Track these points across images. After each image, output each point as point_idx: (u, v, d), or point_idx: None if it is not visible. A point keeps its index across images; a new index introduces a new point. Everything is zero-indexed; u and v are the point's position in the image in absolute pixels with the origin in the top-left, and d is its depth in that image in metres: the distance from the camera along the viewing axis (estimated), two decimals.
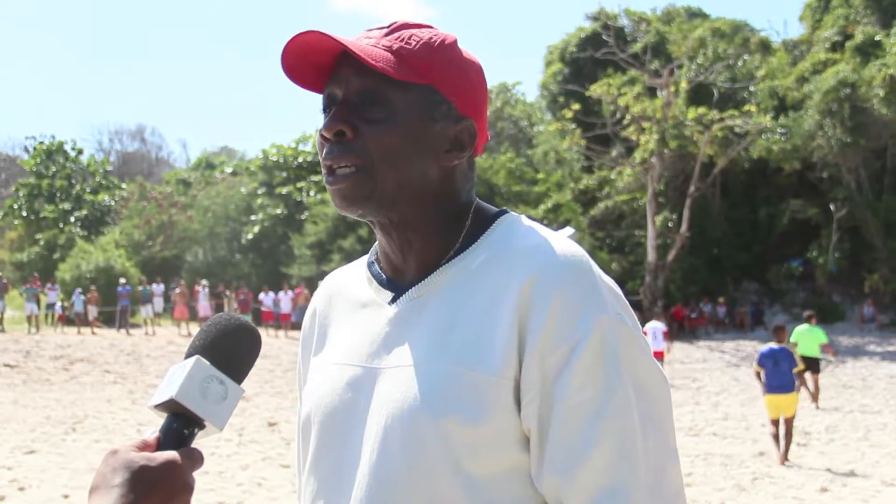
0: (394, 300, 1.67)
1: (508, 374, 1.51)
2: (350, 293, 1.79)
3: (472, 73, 1.68)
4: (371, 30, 1.67)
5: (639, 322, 1.61)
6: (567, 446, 1.48)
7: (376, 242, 1.78)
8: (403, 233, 1.66)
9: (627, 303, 1.61)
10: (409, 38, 1.63)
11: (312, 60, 1.64)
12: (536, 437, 1.51)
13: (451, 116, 1.64)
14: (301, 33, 1.59)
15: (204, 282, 40.89)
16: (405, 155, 1.60)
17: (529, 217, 1.71)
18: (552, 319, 1.49)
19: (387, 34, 1.64)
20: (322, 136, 1.63)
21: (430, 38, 1.65)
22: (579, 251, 1.58)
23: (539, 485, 1.52)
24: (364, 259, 1.83)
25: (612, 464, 1.48)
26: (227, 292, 41.08)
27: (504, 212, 1.72)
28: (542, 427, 1.50)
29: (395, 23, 1.67)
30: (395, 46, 1.62)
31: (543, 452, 1.50)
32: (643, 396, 1.53)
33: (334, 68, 1.65)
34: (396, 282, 1.70)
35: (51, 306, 38.63)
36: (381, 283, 1.72)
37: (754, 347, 33.79)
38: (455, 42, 1.68)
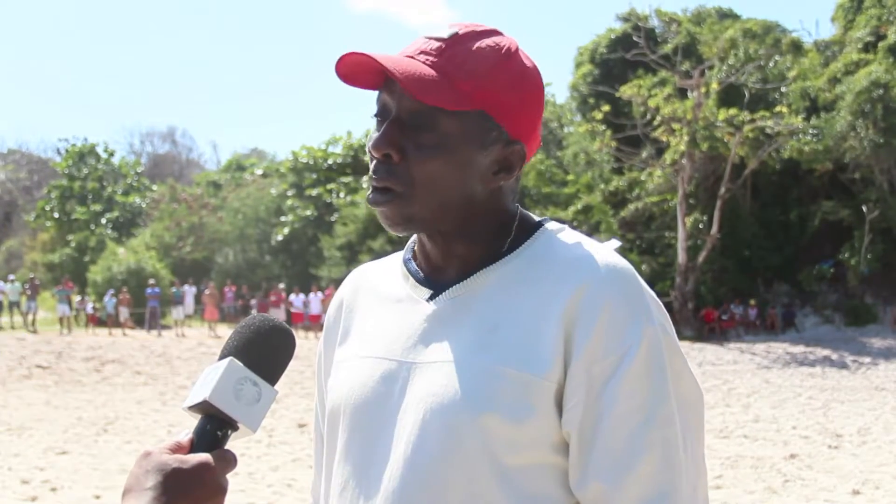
0: (432, 297, 1.68)
1: (553, 377, 1.53)
2: (381, 287, 1.80)
3: (526, 91, 1.64)
4: (430, 38, 1.63)
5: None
6: (614, 454, 1.51)
7: (412, 238, 1.79)
8: (448, 241, 1.67)
9: (668, 314, 1.62)
10: (466, 59, 1.60)
11: (369, 67, 1.61)
12: (577, 444, 1.53)
13: (501, 141, 1.62)
14: (350, 54, 1.58)
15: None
16: (449, 182, 1.60)
17: (558, 219, 1.71)
18: (601, 329, 1.52)
19: (443, 50, 1.61)
20: (369, 152, 1.63)
21: (489, 55, 1.61)
22: (626, 264, 1.60)
23: (581, 491, 1.54)
24: (397, 255, 1.83)
25: (658, 472, 1.51)
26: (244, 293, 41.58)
27: (546, 219, 1.73)
28: (586, 434, 1.52)
29: (456, 33, 1.63)
30: (450, 69, 1.58)
31: (588, 459, 1.52)
32: (684, 406, 1.57)
33: (389, 77, 1.62)
34: (434, 280, 1.70)
35: (81, 309, 39.00)
36: (418, 279, 1.73)
37: (785, 349, 33.65)
38: (516, 52, 1.65)
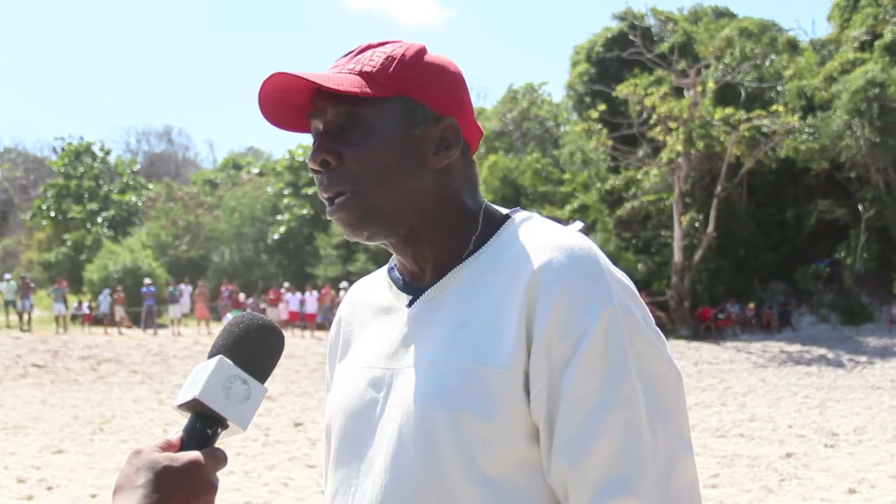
0: (411, 303, 1.70)
1: (518, 367, 1.53)
2: (372, 300, 1.83)
3: (441, 74, 1.70)
4: (338, 60, 1.71)
5: (651, 316, 1.62)
6: (572, 437, 1.49)
7: None
8: (416, 247, 1.69)
9: (638, 295, 1.62)
10: (371, 57, 1.67)
11: (291, 102, 1.68)
12: (545, 429, 1.52)
13: (429, 119, 1.66)
14: (267, 78, 1.64)
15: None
16: (392, 168, 1.63)
17: (555, 218, 1.71)
18: (558, 311, 1.51)
19: (352, 57, 1.68)
20: (311, 169, 1.68)
21: (393, 51, 1.68)
22: (587, 244, 1.59)
23: (548, 476, 1.53)
24: (386, 266, 1.86)
25: (617, 456, 1.49)
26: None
27: (516, 211, 1.74)
28: (550, 419, 1.52)
29: (359, 46, 1.71)
30: (359, 68, 1.65)
31: (551, 444, 1.52)
32: (652, 388, 1.54)
33: (312, 104, 1.68)
34: (414, 285, 1.73)
35: (78, 314, 38.97)
36: (399, 287, 1.76)
37: (781, 349, 33.68)
38: (421, 50, 1.71)
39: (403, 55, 1.67)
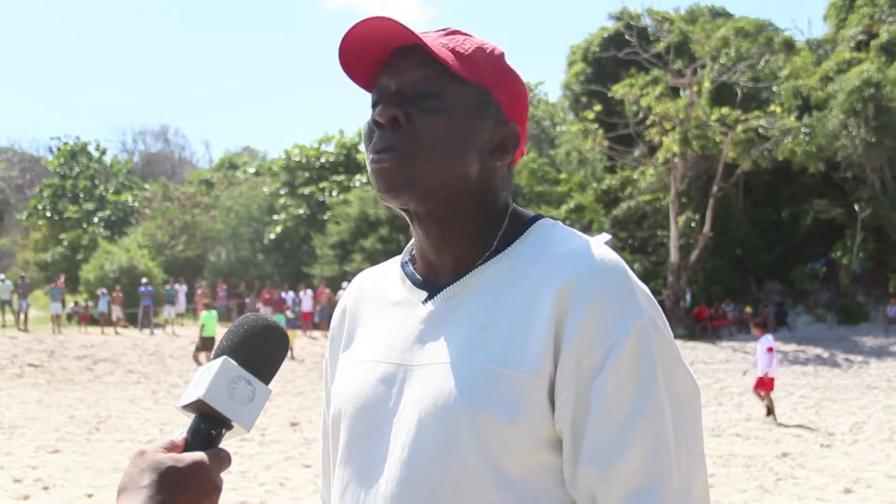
0: (428, 299, 1.69)
1: (544, 373, 1.53)
2: (381, 291, 1.81)
3: (518, 83, 1.72)
4: (426, 33, 1.69)
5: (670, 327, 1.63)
6: (602, 446, 1.50)
7: (410, 243, 1.80)
8: (440, 228, 1.67)
9: (660, 308, 1.62)
10: (464, 42, 1.68)
11: (369, 55, 1.67)
12: (570, 438, 1.53)
13: (499, 118, 1.67)
14: (367, 19, 1.61)
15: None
16: (453, 148, 1.62)
17: (552, 218, 1.72)
18: (590, 322, 1.51)
19: (444, 34, 1.69)
20: (374, 121, 1.65)
21: (483, 44, 1.69)
22: (616, 257, 1.59)
23: (573, 485, 1.53)
24: (397, 259, 1.85)
25: (645, 465, 1.50)
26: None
27: (540, 216, 1.74)
28: (577, 427, 1.52)
29: (448, 28, 1.72)
30: (452, 45, 1.66)
31: (578, 452, 1.52)
32: (676, 400, 1.56)
33: (388, 62, 1.67)
34: (431, 281, 1.71)
35: (76, 312, 38.91)
36: (414, 282, 1.74)
37: (777, 348, 33.60)
38: (504, 54, 1.73)
39: (493, 52, 1.69)
